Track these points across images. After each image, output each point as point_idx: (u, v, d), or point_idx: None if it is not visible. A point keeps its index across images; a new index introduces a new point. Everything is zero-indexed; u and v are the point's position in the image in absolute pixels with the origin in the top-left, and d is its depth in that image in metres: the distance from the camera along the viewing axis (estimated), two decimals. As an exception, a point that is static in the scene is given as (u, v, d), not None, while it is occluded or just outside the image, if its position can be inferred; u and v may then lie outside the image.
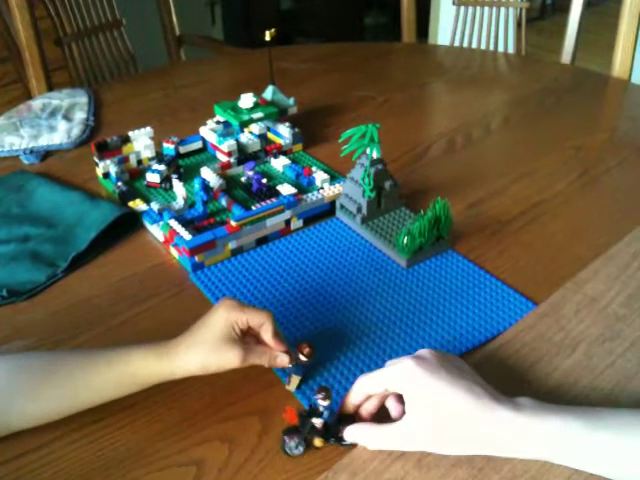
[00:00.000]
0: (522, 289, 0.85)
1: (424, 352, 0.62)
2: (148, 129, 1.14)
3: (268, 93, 1.25)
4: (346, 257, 0.93)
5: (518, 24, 1.93)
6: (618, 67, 1.56)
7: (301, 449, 0.62)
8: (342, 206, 1.00)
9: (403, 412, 0.61)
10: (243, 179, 1.09)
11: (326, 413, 0.61)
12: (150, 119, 1.28)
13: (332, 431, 0.62)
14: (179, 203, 1.02)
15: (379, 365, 0.73)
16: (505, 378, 0.69)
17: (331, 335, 0.78)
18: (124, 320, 0.82)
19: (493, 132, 1.30)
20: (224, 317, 0.67)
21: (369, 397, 0.64)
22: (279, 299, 0.85)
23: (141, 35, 2.17)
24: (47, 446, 0.65)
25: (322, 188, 1.04)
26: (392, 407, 0.65)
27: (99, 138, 1.25)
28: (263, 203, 0.96)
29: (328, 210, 1.02)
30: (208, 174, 1.07)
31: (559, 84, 1.54)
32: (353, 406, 0.64)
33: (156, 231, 0.97)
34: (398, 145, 1.23)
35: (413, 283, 0.87)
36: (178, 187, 1.03)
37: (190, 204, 1.03)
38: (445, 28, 2.70)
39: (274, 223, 0.96)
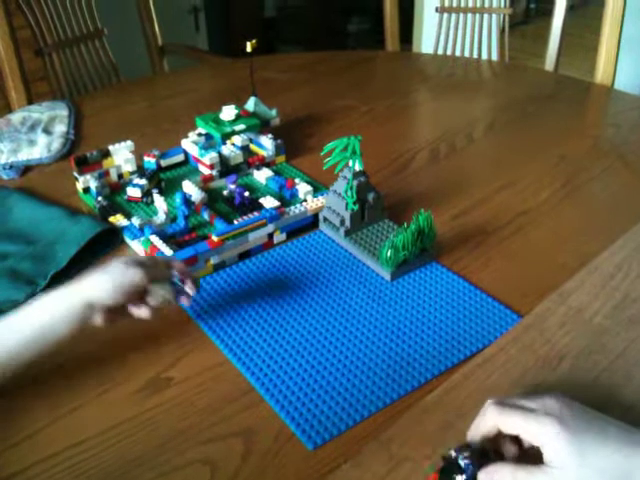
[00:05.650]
0: (507, 301, 0.84)
1: (562, 412, 0.55)
2: (129, 143, 1.13)
3: (250, 104, 1.25)
4: (330, 270, 0.92)
5: (501, 30, 1.93)
6: (601, 74, 1.57)
7: None
8: (325, 219, 1.00)
9: (518, 454, 0.58)
10: (225, 192, 1.08)
11: (469, 470, 0.57)
12: (132, 131, 1.27)
13: None
14: (160, 218, 1.01)
15: (363, 380, 0.72)
16: (492, 393, 0.68)
17: (315, 348, 0.77)
18: (105, 340, 0.80)
19: (476, 140, 1.30)
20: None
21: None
22: (262, 314, 0.83)
23: (123, 45, 2.15)
24: (22, 473, 0.64)
25: (305, 201, 1.03)
26: (507, 448, 0.59)
27: (79, 152, 1.23)
28: (245, 217, 0.95)
29: (311, 223, 1.01)
30: (190, 188, 1.06)
31: (542, 91, 1.54)
32: (482, 436, 0.58)
33: (137, 247, 0.96)
34: (382, 155, 1.22)
35: (397, 296, 0.86)
36: (159, 201, 1.02)
37: (172, 218, 1.02)
38: (428, 35, 2.70)
39: (257, 237, 0.95)
